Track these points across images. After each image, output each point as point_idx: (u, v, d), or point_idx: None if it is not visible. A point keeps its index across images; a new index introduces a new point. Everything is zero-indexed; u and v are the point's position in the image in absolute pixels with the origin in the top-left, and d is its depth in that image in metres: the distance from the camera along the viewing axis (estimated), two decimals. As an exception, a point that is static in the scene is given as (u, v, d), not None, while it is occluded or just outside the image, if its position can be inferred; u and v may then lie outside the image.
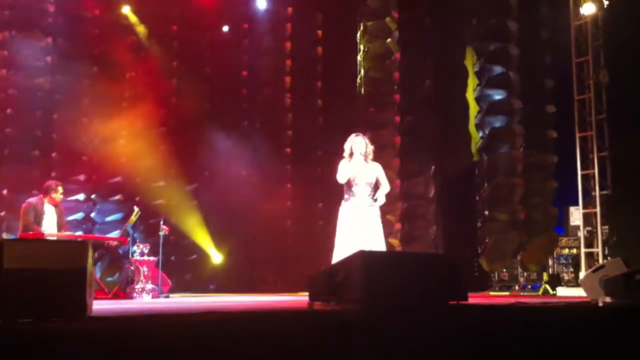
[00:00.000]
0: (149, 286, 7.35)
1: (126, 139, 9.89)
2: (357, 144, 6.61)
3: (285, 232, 10.80)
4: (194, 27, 10.91)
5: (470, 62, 10.44)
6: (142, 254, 7.41)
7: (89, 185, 9.76)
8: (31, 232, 7.04)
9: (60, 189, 7.44)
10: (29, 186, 8.69)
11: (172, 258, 9.56)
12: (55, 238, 6.87)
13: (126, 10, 10.49)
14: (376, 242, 6.42)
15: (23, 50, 9.65)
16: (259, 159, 10.83)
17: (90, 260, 4.30)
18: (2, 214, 9.27)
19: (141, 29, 10.50)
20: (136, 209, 7.98)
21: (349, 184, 6.52)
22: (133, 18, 10.48)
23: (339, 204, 6.36)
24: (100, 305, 4.89)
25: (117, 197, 9.94)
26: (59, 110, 9.77)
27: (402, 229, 9.88)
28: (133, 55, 10.37)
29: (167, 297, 7.58)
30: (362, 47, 10.63)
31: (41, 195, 7.39)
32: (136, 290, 7.30)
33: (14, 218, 8.57)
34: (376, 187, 6.59)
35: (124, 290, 7.56)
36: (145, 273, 7.37)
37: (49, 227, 7.24)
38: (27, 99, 9.63)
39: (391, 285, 4.25)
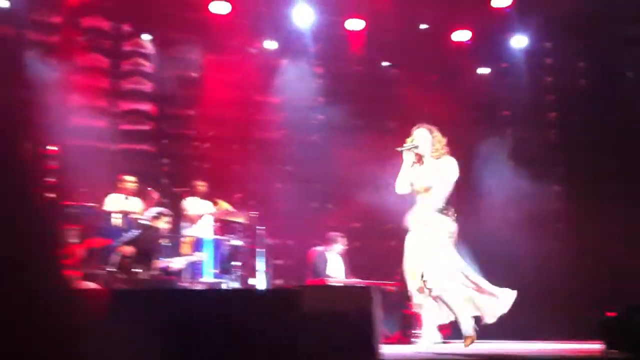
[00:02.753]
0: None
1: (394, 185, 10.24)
2: (418, 138, 5.07)
3: (555, 273, 10.25)
4: (453, 71, 11.09)
5: None
6: (419, 298, 7.59)
7: (364, 232, 10.27)
8: (317, 279, 7.62)
9: (340, 239, 8.01)
10: (311, 236, 9.39)
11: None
12: (340, 284, 7.36)
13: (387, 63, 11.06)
14: (427, 272, 4.87)
15: (297, 114, 10.67)
16: (525, 199, 10.50)
17: (377, 305, 4.52)
18: (289, 262, 10.11)
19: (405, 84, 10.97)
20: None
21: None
22: (396, 72, 11.00)
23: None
24: (386, 350, 5.09)
25: (391, 244, 10.30)
26: (332, 164, 10.47)
27: None
28: (395, 104, 10.82)
29: (446, 342, 7.62)
30: (629, 74, 9.95)
31: (325, 245, 8.02)
32: (416, 334, 7.46)
33: (299, 267, 9.32)
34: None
35: (404, 335, 7.78)
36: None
37: (334, 274, 7.79)
38: (305, 155, 10.53)
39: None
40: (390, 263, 9.52)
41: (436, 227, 4.91)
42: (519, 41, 11.29)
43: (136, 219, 7.61)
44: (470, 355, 4.73)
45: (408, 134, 10.27)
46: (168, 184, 9.40)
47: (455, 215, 5.04)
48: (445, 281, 4.93)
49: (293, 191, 10.36)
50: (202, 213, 8.32)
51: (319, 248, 8.06)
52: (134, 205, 8.05)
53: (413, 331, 7.58)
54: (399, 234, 10.11)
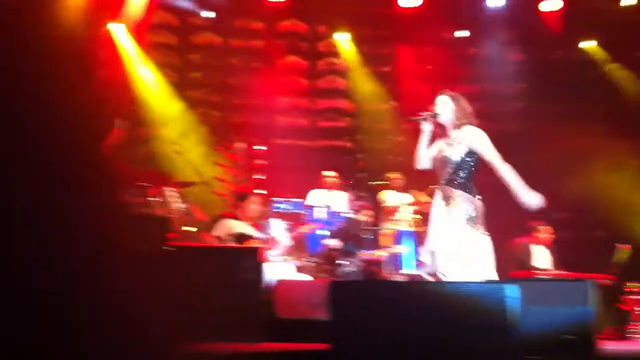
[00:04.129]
0: (646, 327, 7.01)
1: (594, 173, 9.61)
2: (439, 105, 4.43)
3: None
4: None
5: None
6: (636, 293, 7.15)
7: (571, 222, 9.79)
8: (522, 271, 7.41)
9: (543, 229, 7.73)
10: (513, 227, 9.11)
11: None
12: (551, 277, 7.11)
13: (588, 44, 10.45)
14: (444, 259, 4.26)
15: (493, 103, 10.40)
16: None
17: (593, 299, 4.33)
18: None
19: (609, 64, 10.29)
20: (622, 246, 7.74)
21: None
22: (599, 52, 10.37)
23: None
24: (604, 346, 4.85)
25: (600, 234, 9.74)
26: (533, 153, 10.07)
27: None
28: (602, 91, 10.19)
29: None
30: None
31: (528, 236, 7.78)
32: (632, 331, 7.04)
33: (500, 259, 9.08)
34: (474, 166, 4.36)
35: (618, 330, 7.34)
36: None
37: (540, 265, 7.54)
38: (502, 144, 10.21)
39: None
40: (600, 255, 9.03)
41: (454, 208, 4.33)
42: None
43: (339, 212, 7.88)
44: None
45: (615, 117, 9.67)
46: (365, 178, 9.61)
47: (478, 195, 4.45)
48: (459, 270, 4.30)
49: (492, 182, 10.09)
50: (400, 205, 8.42)
51: (522, 239, 7.83)
52: (336, 199, 8.34)
53: (628, 326, 7.14)
54: (608, 224, 9.55)
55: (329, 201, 8.16)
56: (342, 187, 8.48)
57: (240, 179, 7.91)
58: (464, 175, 4.40)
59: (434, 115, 4.44)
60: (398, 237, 8.01)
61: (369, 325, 3.62)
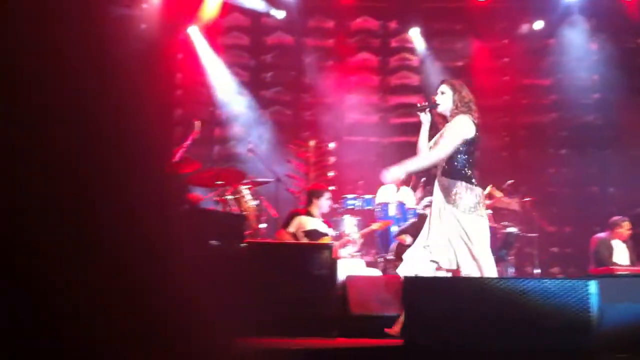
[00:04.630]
0: None
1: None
2: (439, 96, 4.27)
3: None
4: None
5: None
6: None
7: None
8: (601, 268, 7.21)
9: (625, 225, 7.49)
10: (591, 222, 8.87)
11: None
12: (626, 273, 6.90)
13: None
14: (447, 252, 4.07)
15: (570, 95, 10.12)
16: None
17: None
18: (566, 250, 9.68)
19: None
20: None
21: None
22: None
23: None
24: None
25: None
26: (612, 145, 9.78)
27: None
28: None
29: None
30: None
31: (608, 232, 7.56)
32: None
33: (577, 254, 8.87)
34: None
35: None
36: None
37: (620, 262, 7.32)
38: (579, 137, 9.97)
39: None
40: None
41: (454, 199, 4.09)
42: None
43: (410, 208, 7.84)
44: None
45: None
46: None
47: (476, 184, 4.17)
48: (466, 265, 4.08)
49: (569, 175, 9.89)
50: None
51: (602, 235, 7.60)
52: (406, 195, 8.30)
53: None
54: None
55: (399, 197, 8.13)
56: (410, 183, 8.44)
57: (312, 176, 7.99)
58: (459, 164, 4.18)
59: (434, 105, 4.31)
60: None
61: (442, 321, 3.59)
